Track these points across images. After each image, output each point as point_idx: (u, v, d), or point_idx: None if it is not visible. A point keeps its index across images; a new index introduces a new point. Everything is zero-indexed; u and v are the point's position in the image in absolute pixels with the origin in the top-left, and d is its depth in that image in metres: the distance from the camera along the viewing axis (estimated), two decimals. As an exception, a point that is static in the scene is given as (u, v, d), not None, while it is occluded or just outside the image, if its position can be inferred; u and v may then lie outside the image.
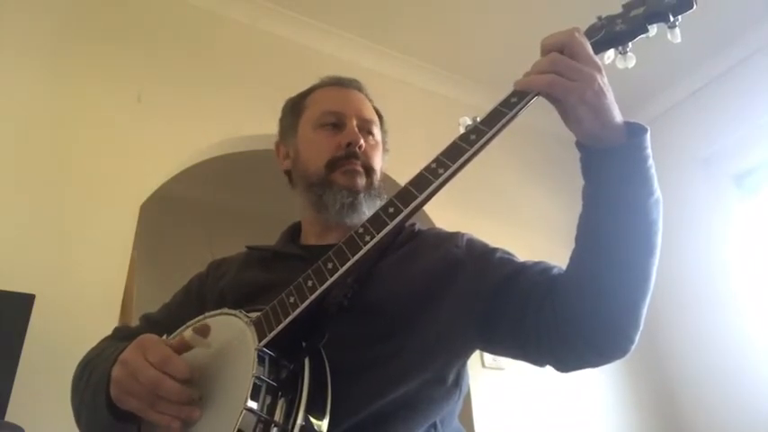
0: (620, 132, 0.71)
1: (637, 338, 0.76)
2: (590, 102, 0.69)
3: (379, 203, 0.96)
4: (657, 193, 0.73)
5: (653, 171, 0.72)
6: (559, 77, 0.69)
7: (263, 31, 2.66)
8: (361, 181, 0.97)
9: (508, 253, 0.92)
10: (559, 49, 0.71)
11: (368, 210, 0.95)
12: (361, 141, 0.98)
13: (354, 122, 1.01)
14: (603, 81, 0.70)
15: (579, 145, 0.75)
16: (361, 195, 0.96)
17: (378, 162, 1.03)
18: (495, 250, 0.93)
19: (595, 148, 0.73)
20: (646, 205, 0.72)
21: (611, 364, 0.79)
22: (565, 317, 0.76)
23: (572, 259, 0.78)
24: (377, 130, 1.06)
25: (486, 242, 0.97)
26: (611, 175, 0.72)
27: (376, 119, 1.07)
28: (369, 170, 0.99)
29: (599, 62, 0.71)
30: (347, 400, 0.72)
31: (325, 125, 1.01)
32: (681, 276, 2.94)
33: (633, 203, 0.71)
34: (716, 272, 2.84)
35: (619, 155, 0.71)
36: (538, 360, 0.84)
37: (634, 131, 0.72)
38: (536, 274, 0.83)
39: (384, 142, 1.09)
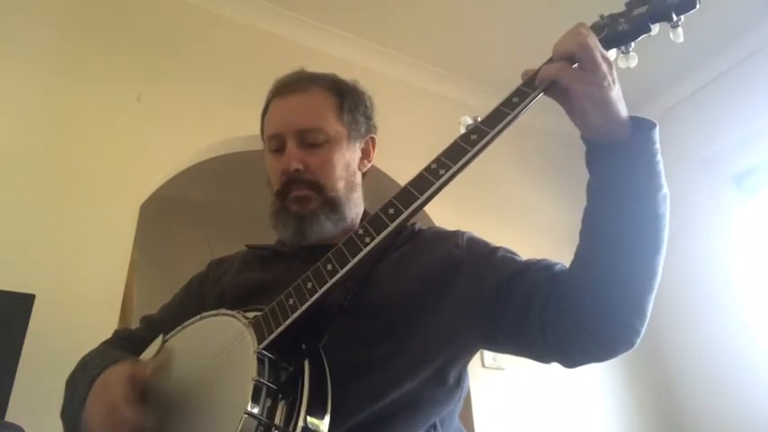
0: (625, 128, 0.72)
1: (643, 330, 0.75)
2: (596, 96, 0.70)
3: (349, 207, 0.95)
4: (665, 188, 0.73)
5: (661, 167, 0.73)
6: (569, 66, 0.71)
7: (262, 31, 2.66)
8: (313, 204, 0.93)
9: (510, 251, 0.92)
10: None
11: (329, 222, 0.93)
12: (295, 165, 0.92)
13: (293, 142, 0.94)
14: (613, 75, 0.71)
15: (584, 138, 0.76)
16: (307, 223, 0.92)
17: (330, 171, 0.95)
18: (496, 249, 0.92)
19: (600, 143, 0.73)
20: (654, 199, 0.72)
21: (612, 363, 0.79)
22: (570, 311, 0.76)
23: (577, 254, 0.78)
24: (324, 134, 0.95)
25: (487, 241, 0.96)
26: (618, 169, 0.72)
27: (318, 122, 0.96)
28: (318, 187, 0.93)
29: (609, 57, 0.72)
30: (348, 401, 0.72)
31: (272, 151, 0.98)
32: (681, 276, 2.93)
33: (641, 196, 0.72)
34: (716, 271, 2.84)
35: (625, 150, 0.72)
36: (544, 356, 0.83)
37: (640, 127, 0.73)
38: (539, 272, 0.83)
39: (354, 123, 1.00)
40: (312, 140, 0.95)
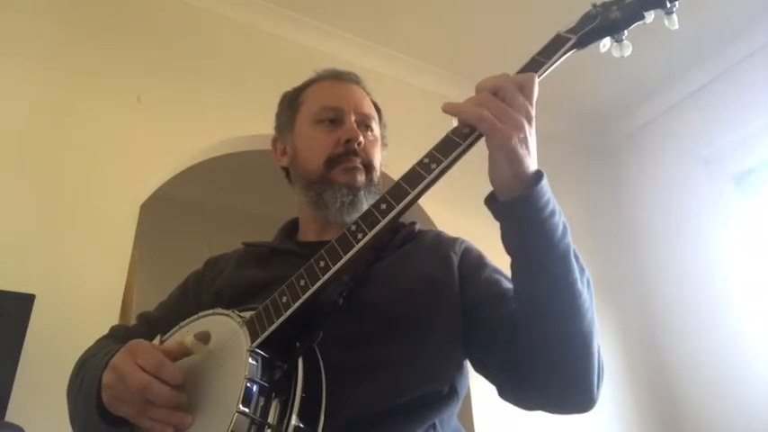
0: (525, 186, 0.69)
1: (588, 399, 0.77)
2: (510, 148, 0.67)
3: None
4: (563, 244, 0.71)
5: (555, 221, 0.71)
6: (490, 115, 0.67)
7: (263, 31, 2.66)
8: (361, 178, 0.96)
9: (498, 271, 0.91)
10: (494, 92, 0.69)
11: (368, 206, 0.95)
12: (361, 138, 0.97)
13: (353, 118, 0.99)
14: (530, 132, 0.68)
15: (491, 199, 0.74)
16: (362, 193, 0.95)
17: (377, 158, 1.02)
18: (485, 266, 0.91)
19: (499, 202, 0.72)
20: (547, 259, 0.70)
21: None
22: (520, 359, 0.76)
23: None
24: (375, 125, 1.04)
25: (481, 254, 0.96)
26: (512, 230, 0.72)
27: (374, 113, 1.06)
28: (368, 167, 0.98)
29: (532, 112, 0.69)
30: (344, 400, 0.71)
31: (323, 121, 0.99)
32: (680, 276, 2.94)
33: (533, 257, 0.71)
34: (715, 272, 2.83)
35: (515, 208, 0.70)
36: (499, 391, 0.85)
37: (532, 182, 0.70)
38: (512, 302, 0.82)
39: (383, 137, 1.08)
40: (367, 124, 1.02)
